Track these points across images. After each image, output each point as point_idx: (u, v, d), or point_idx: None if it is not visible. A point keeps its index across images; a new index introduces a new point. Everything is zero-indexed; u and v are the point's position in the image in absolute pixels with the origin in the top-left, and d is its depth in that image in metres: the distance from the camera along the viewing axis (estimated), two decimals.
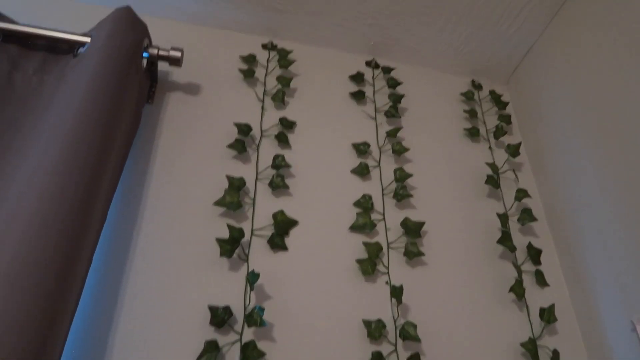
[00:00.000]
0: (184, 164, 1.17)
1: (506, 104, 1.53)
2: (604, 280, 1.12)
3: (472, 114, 1.46)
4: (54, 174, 0.81)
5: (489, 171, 1.35)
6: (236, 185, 1.13)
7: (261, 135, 1.26)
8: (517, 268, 1.21)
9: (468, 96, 1.51)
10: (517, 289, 1.16)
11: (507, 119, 1.49)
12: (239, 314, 1.00)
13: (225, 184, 1.13)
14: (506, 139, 1.46)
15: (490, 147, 1.43)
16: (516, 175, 1.37)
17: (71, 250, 0.79)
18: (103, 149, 0.89)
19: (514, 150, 1.41)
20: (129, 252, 1.03)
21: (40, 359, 0.71)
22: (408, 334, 1.04)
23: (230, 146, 1.20)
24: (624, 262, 1.07)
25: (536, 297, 1.20)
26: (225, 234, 1.06)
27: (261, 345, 0.98)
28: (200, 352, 0.94)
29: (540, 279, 1.22)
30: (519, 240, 1.28)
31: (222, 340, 0.97)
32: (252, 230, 1.11)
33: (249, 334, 0.99)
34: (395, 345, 1.04)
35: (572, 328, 1.18)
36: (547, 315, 1.14)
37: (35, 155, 0.86)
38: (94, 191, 0.86)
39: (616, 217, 1.11)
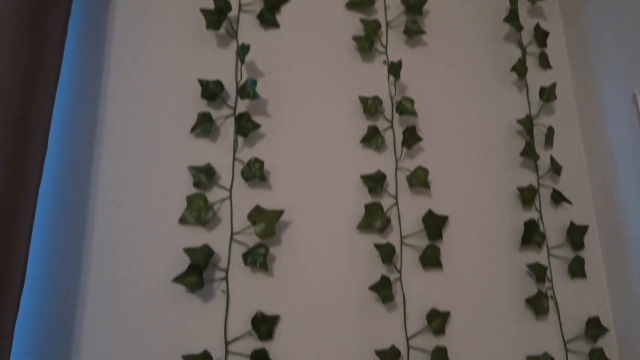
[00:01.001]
0: None
1: None
2: (610, 52, 1.07)
3: None
4: None
5: None
6: None
7: None
8: (522, 47, 1.15)
9: None
10: (520, 68, 1.12)
11: None
12: (231, 89, 0.97)
13: None
14: None
15: None
16: None
17: None
18: None
19: None
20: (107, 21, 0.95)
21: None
22: (405, 108, 1.02)
23: None
24: (635, 31, 1.01)
25: (538, 79, 1.16)
26: (210, 5, 0.97)
27: (255, 118, 0.97)
28: (194, 124, 0.92)
29: (544, 61, 1.17)
30: (527, 21, 1.19)
31: (216, 114, 0.95)
32: (240, 4, 1.02)
33: (242, 108, 0.97)
34: (392, 121, 1.03)
35: (570, 108, 1.17)
36: (547, 93, 1.12)
37: None
38: None
39: None
